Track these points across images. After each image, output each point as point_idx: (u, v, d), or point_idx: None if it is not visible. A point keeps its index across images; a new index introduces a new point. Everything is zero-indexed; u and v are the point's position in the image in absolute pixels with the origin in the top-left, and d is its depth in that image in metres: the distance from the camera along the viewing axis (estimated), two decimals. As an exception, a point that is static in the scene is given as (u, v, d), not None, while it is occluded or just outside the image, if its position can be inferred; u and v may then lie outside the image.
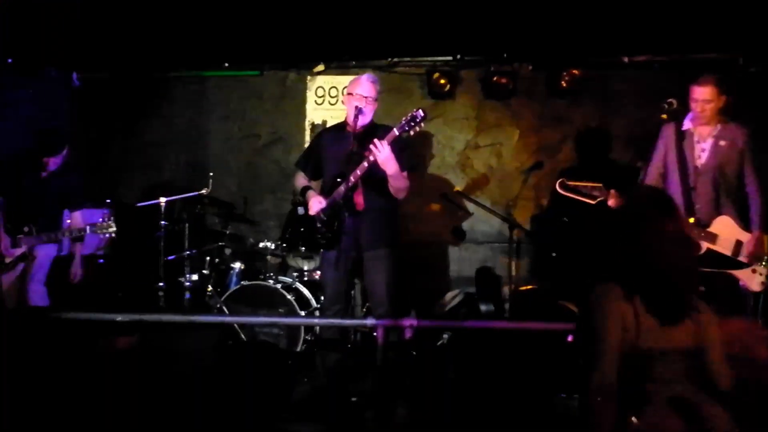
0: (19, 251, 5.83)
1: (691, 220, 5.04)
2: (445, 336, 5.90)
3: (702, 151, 5.17)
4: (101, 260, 6.93)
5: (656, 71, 6.94)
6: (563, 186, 5.01)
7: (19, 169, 6.00)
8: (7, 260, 5.81)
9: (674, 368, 3.19)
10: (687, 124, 5.20)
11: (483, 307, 6.51)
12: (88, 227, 5.86)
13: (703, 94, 5.06)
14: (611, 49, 6.96)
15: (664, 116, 5.03)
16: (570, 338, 5.42)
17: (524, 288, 6.45)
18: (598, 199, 4.98)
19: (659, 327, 3.18)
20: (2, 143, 6.75)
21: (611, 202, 4.97)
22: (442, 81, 7.31)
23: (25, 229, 5.81)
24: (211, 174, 6.71)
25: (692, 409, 3.11)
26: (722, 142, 5.12)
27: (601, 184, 5.00)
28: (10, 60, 7.00)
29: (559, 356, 5.16)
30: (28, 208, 5.90)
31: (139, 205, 6.64)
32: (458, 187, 7.19)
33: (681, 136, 5.19)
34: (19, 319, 5.33)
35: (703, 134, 5.18)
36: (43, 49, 6.89)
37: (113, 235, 5.91)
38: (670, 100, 5.00)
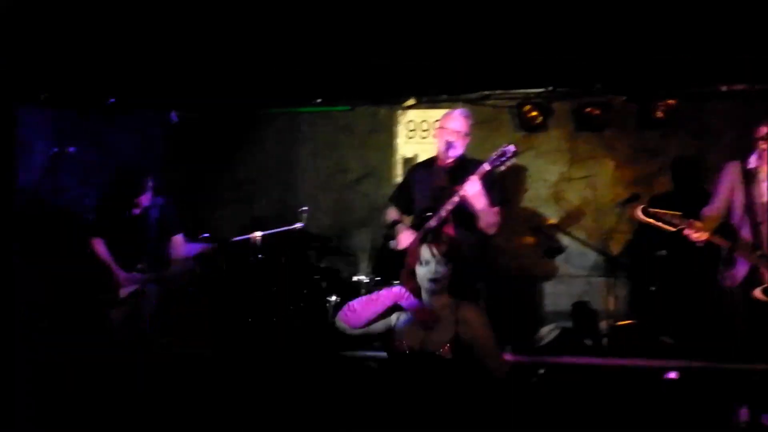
0: (133, 287, 5.94)
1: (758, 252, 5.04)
2: (541, 371, 5.79)
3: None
4: (191, 289, 7.01)
5: (753, 100, 6.74)
6: (645, 212, 5.01)
7: (112, 209, 6.11)
8: (122, 294, 5.94)
9: None
10: (753, 162, 5.16)
11: (580, 342, 6.38)
12: (196, 268, 5.98)
13: None
14: (706, 78, 6.78)
15: None
16: (671, 375, 5.27)
17: (622, 323, 6.30)
18: (678, 227, 4.96)
19: None
20: (100, 180, 6.93)
21: (690, 233, 4.95)
22: (534, 113, 7.25)
23: (139, 266, 5.94)
24: (305, 208, 6.76)
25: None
26: None
27: (681, 213, 4.98)
28: (112, 99, 7.22)
29: (659, 394, 5.01)
30: (130, 245, 6.00)
31: (234, 240, 6.73)
32: (552, 220, 7.09)
33: (747, 174, 5.16)
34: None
35: None
36: (142, 88, 7.09)
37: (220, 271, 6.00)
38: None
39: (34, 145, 6.69)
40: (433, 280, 3.56)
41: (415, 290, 3.65)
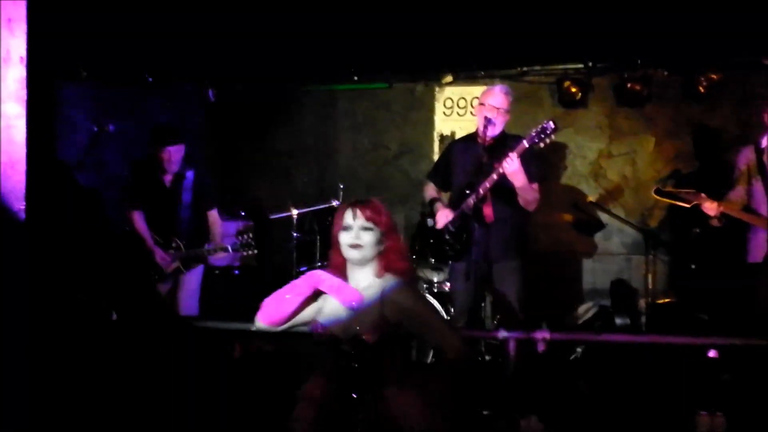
0: (173, 266, 5.97)
1: None
2: (579, 350, 5.77)
3: None
4: (236, 272, 7.08)
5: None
6: (658, 193, 5.15)
7: (144, 178, 6.03)
8: (165, 271, 5.96)
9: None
10: (765, 143, 5.19)
11: (618, 321, 6.35)
12: (230, 247, 5.98)
13: None
14: (751, 50, 6.64)
15: None
16: (711, 353, 5.22)
17: (662, 301, 6.25)
18: (693, 203, 5.02)
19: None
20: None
21: (705, 205, 5.00)
22: (573, 89, 7.17)
23: (173, 244, 5.96)
24: (342, 185, 6.77)
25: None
26: None
27: (694, 189, 5.06)
28: (150, 78, 7.27)
29: (700, 372, 4.97)
30: (165, 217, 5.98)
31: (272, 217, 6.76)
32: (591, 198, 7.04)
33: (760, 153, 5.19)
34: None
35: None
36: (180, 65, 7.12)
37: (254, 252, 6.01)
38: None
39: (77, 121, 6.76)
40: (354, 247, 3.11)
41: (341, 266, 3.22)
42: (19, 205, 2.64)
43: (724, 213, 5.07)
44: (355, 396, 3.00)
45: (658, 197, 5.13)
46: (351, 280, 3.20)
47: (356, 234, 3.13)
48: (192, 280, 6.12)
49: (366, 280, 3.17)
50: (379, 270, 3.17)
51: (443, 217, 5.26)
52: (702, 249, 6.35)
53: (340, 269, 3.23)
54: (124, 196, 6.08)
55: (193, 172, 6.07)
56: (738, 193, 5.29)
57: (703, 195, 5.00)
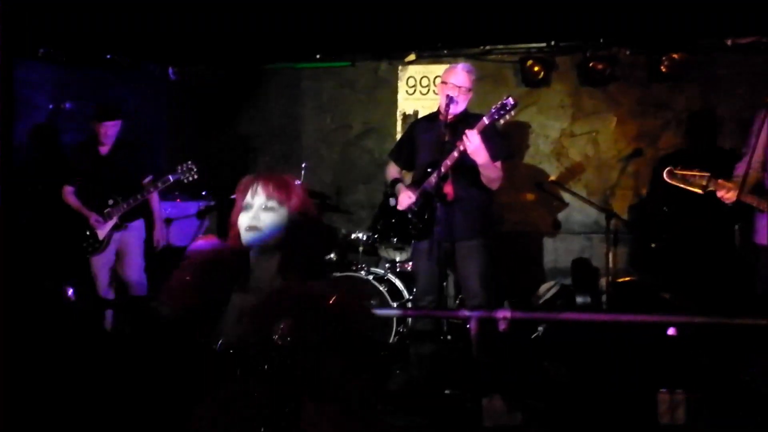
0: (110, 224, 6.01)
1: None
2: (540, 328, 5.80)
3: None
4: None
5: (764, 53, 6.62)
6: (671, 175, 4.80)
7: (80, 152, 6.22)
8: (101, 235, 5.98)
9: None
10: None
11: (579, 299, 6.38)
12: (170, 175, 5.96)
13: None
14: (714, 31, 6.65)
15: None
16: (671, 331, 5.27)
17: (622, 280, 6.29)
18: (708, 189, 4.74)
19: None
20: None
21: (721, 193, 4.73)
22: (537, 68, 7.15)
23: (110, 202, 6.01)
24: (304, 164, 6.72)
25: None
26: None
27: (709, 174, 4.75)
28: (108, 56, 7.15)
29: (659, 350, 5.02)
30: (100, 184, 6.08)
31: (233, 197, 6.69)
32: (553, 177, 7.05)
33: None
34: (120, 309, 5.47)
35: None
36: (141, 44, 7.02)
37: (195, 177, 5.98)
38: None
39: (34, 101, 6.66)
40: (251, 229, 2.57)
41: (242, 252, 2.67)
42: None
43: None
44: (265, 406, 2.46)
45: (669, 180, 4.81)
46: (253, 266, 2.67)
47: (254, 214, 2.61)
48: (133, 249, 6.17)
49: (268, 269, 2.64)
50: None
51: (405, 198, 5.24)
52: (671, 228, 6.36)
53: (241, 255, 2.68)
54: (62, 172, 6.21)
55: (130, 146, 6.24)
56: (754, 164, 4.83)
57: (720, 181, 4.72)
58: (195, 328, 2.62)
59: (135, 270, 6.15)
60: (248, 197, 2.66)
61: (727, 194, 4.71)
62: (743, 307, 4.96)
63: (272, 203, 2.62)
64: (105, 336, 5.04)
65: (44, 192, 6.28)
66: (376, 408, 2.60)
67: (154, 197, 6.17)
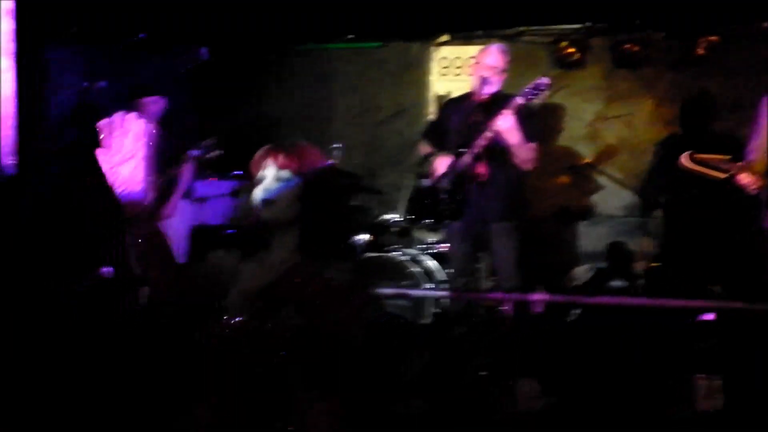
0: None
1: None
2: (575, 312, 5.76)
3: None
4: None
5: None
6: (692, 159, 4.77)
7: None
8: None
9: None
10: None
11: (615, 284, 6.33)
12: (193, 151, 5.91)
13: None
14: (749, 15, 6.55)
15: None
16: (707, 316, 5.21)
17: (658, 264, 6.22)
18: (729, 174, 4.69)
19: None
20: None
21: (743, 179, 4.67)
22: (570, 50, 7.10)
23: None
24: (338, 145, 6.65)
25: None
26: None
27: (730, 157, 4.72)
28: (142, 35, 7.15)
29: (696, 335, 4.96)
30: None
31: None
32: (587, 160, 6.99)
33: None
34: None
35: None
36: (172, 24, 7.01)
37: (218, 153, 5.97)
38: None
39: (64, 81, 6.67)
40: (265, 202, 2.43)
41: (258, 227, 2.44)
42: (7, 159, 2.57)
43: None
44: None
45: (691, 165, 4.76)
46: (271, 247, 2.45)
47: (268, 185, 2.47)
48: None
49: (283, 249, 2.45)
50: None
51: (442, 164, 5.18)
52: (698, 211, 6.27)
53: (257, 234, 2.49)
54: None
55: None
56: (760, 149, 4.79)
57: (741, 164, 4.66)
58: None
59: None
60: (261, 171, 2.58)
61: (749, 180, 4.65)
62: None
63: (285, 173, 2.53)
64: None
65: (82, 171, 6.28)
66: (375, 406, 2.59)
67: (185, 174, 6.14)
